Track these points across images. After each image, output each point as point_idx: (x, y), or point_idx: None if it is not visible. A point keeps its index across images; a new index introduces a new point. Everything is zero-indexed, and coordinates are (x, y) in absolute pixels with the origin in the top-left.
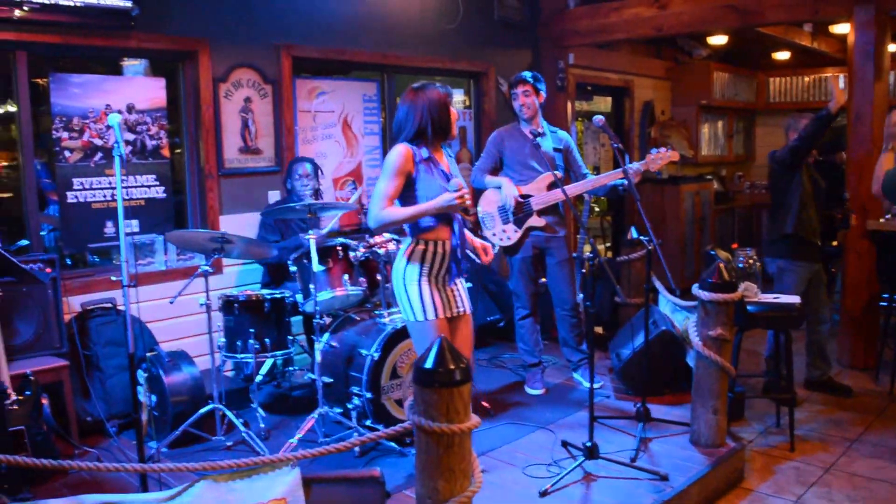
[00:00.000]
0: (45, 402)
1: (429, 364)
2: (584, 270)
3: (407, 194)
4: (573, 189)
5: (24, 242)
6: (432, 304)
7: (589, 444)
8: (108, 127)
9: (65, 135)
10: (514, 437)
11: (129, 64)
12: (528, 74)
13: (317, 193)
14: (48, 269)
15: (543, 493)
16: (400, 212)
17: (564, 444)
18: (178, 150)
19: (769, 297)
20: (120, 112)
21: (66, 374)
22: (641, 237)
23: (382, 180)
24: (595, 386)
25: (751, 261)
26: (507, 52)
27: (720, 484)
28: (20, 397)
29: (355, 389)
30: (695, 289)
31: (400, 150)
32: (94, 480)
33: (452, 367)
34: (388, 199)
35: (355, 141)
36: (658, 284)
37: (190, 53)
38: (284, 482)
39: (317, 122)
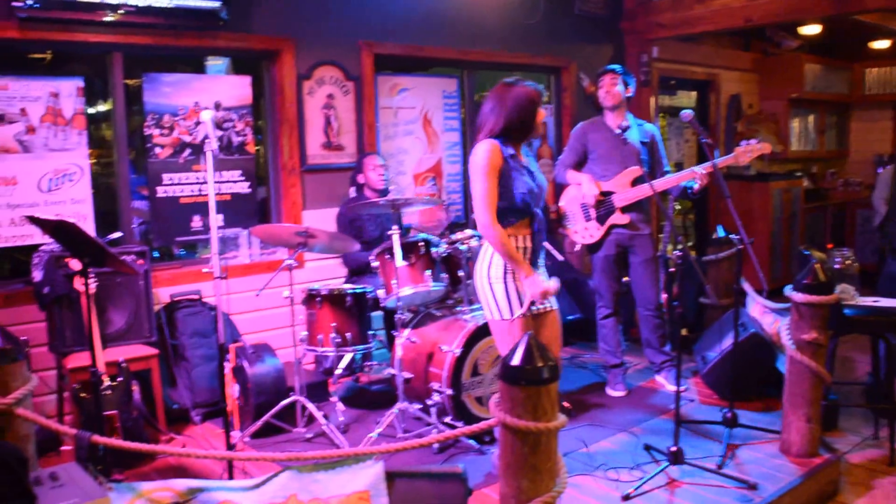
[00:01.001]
0: (135, 388)
1: (516, 361)
2: (671, 269)
3: (499, 191)
4: (659, 184)
5: (117, 235)
6: (518, 301)
7: (674, 448)
8: (198, 123)
9: (156, 132)
10: (595, 439)
11: (213, 63)
12: (617, 66)
13: (386, 191)
14: (140, 261)
15: (626, 498)
16: (504, 246)
17: (647, 447)
18: (259, 147)
19: (868, 301)
20: (210, 108)
21: (155, 363)
22: (731, 236)
23: (478, 182)
24: (679, 389)
25: (848, 261)
26: (589, 47)
27: (813, 496)
28: (113, 383)
29: (435, 386)
30: (787, 290)
31: (487, 147)
32: (179, 466)
33: (540, 364)
34: (492, 200)
35: (435, 137)
36: (746, 285)
37: (275, 52)
38: (367, 475)
39: (398, 119)
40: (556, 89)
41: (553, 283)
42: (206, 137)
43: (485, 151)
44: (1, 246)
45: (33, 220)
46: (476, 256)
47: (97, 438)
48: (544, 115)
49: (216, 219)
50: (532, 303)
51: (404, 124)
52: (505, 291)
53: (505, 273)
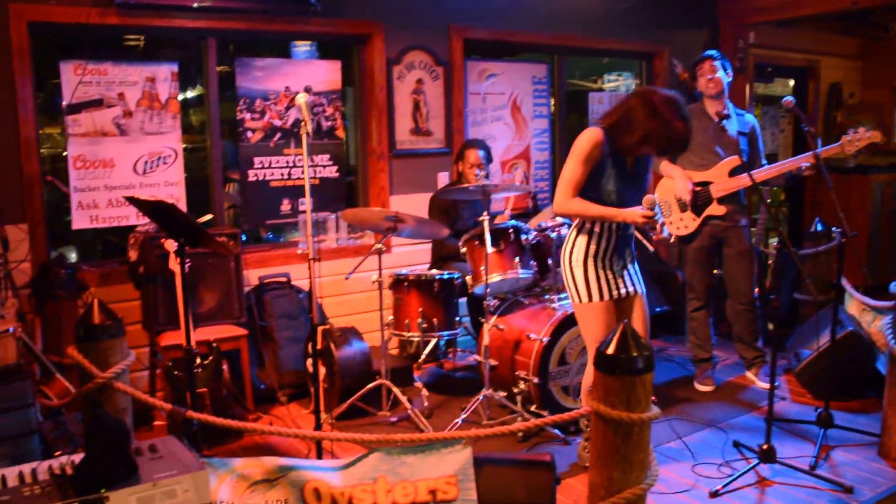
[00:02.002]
0: (225, 367)
1: (610, 350)
2: (769, 262)
3: (590, 180)
4: (761, 174)
5: (208, 217)
6: (598, 286)
7: (765, 446)
8: (288, 108)
9: (247, 116)
10: (682, 434)
11: (301, 48)
12: (715, 52)
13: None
14: (231, 244)
15: (714, 494)
16: (586, 208)
17: (736, 444)
18: (342, 132)
19: None
20: (304, 92)
21: (244, 343)
22: (834, 229)
23: (570, 165)
24: (772, 385)
25: None
26: (683, 33)
27: None
28: (204, 362)
29: (522, 374)
30: (893, 286)
31: (591, 135)
32: (265, 444)
33: (635, 354)
34: (574, 185)
35: (524, 124)
36: (845, 282)
37: (365, 36)
38: (456, 459)
39: (486, 105)
40: (647, 76)
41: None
42: (300, 121)
43: (588, 139)
44: (99, 226)
45: (133, 201)
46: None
47: (192, 414)
48: (683, 126)
49: (301, 203)
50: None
51: (493, 110)
52: (584, 276)
53: (585, 257)
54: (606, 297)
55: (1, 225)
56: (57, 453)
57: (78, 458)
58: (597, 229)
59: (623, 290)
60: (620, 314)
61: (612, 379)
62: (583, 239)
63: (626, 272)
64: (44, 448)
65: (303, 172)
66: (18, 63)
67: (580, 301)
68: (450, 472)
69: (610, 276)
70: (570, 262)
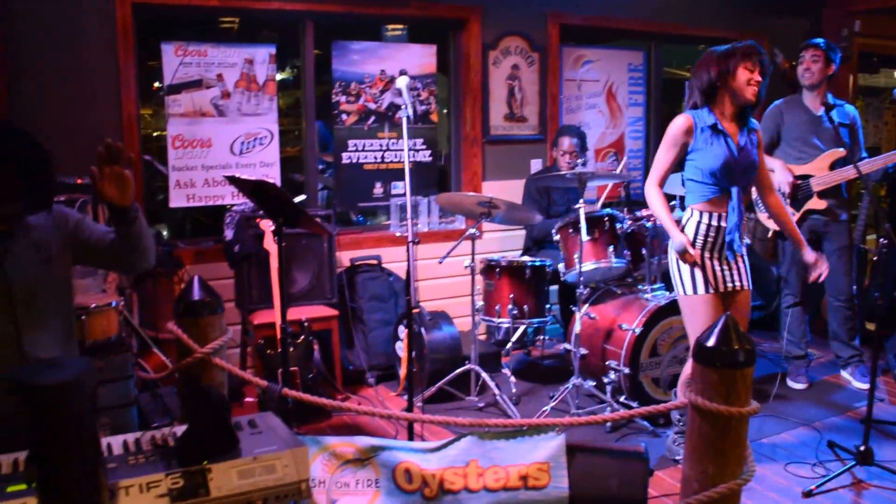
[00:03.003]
0: (315, 347)
1: (711, 342)
2: (874, 258)
3: (690, 162)
4: (866, 167)
5: (302, 198)
6: (703, 278)
7: (862, 447)
8: (383, 92)
9: (342, 99)
10: (775, 431)
11: (392, 33)
12: (820, 40)
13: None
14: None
15: (808, 494)
16: (658, 207)
17: (831, 444)
18: (436, 117)
19: None
20: (405, 75)
21: (335, 324)
22: None
23: (661, 150)
24: (866, 386)
25: None
26: (783, 20)
27: None
28: (296, 341)
29: (612, 364)
30: None
31: (678, 121)
32: (353, 424)
33: (737, 346)
34: (663, 170)
35: (619, 112)
36: None
37: (462, 20)
38: (548, 447)
39: (581, 91)
40: None
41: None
42: (394, 104)
43: (674, 125)
44: (195, 205)
45: (233, 180)
46: (662, 234)
47: (287, 392)
48: (748, 75)
49: (393, 187)
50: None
51: (587, 97)
52: (691, 267)
53: (694, 248)
54: (712, 289)
55: (103, 202)
56: (153, 425)
57: (179, 429)
58: (706, 220)
59: (730, 284)
60: (725, 308)
61: (712, 371)
62: (692, 229)
63: (734, 266)
64: (140, 420)
65: (396, 156)
66: (122, 43)
67: (685, 293)
68: (542, 458)
69: (717, 269)
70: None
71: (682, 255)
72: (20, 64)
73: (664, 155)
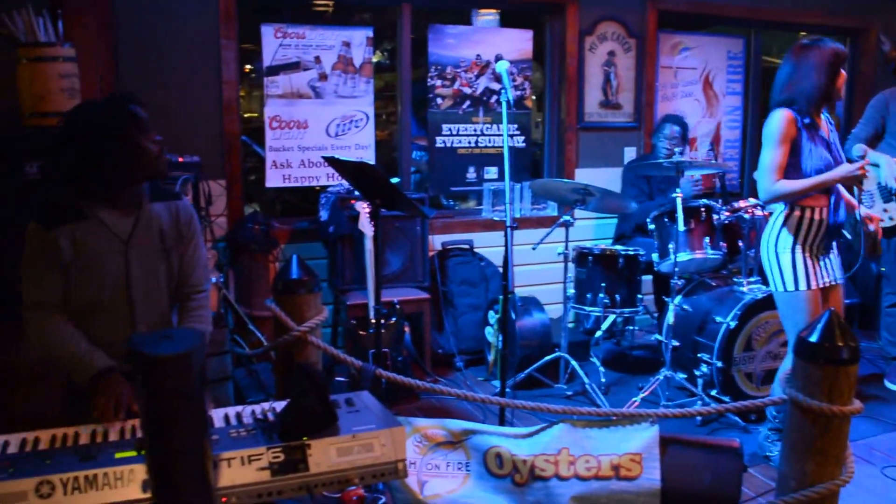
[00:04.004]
0: (406, 329)
1: (814, 337)
2: None
3: (789, 163)
4: None
5: (395, 180)
6: (805, 274)
7: None
8: (478, 77)
9: (438, 83)
10: (871, 434)
11: (483, 17)
12: None
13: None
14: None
15: None
16: (796, 184)
17: None
18: (531, 102)
19: None
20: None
21: (426, 307)
22: None
23: (767, 150)
24: None
25: None
26: (892, 6)
27: None
28: (388, 323)
29: (704, 357)
30: None
31: (782, 116)
32: (441, 407)
33: (841, 343)
34: (778, 170)
35: (715, 100)
36: None
37: (559, 6)
38: (641, 438)
39: (677, 79)
40: (851, 53)
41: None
42: (489, 89)
43: (778, 121)
44: (291, 185)
45: (332, 161)
46: (759, 226)
47: (381, 373)
48: (845, 77)
49: (485, 172)
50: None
51: (683, 85)
52: (792, 263)
53: (794, 244)
54: (814, 285)
55: (204, 180)
56: (249, 401)
57: (278, 405)
58: (808, 215)
59: (828, 279)
60: (823, 303)
61: (814, 368)
62: (792, 225)
63: (828, 260)
64: (235, 395)
65: (490, 141)
66: (224, 25)
67: (785, 289)
68: (634, 449)
69: (818, 265)
70: (776, 248)
71: (853, 175)
72: (127, 42)
73: (776, 152)
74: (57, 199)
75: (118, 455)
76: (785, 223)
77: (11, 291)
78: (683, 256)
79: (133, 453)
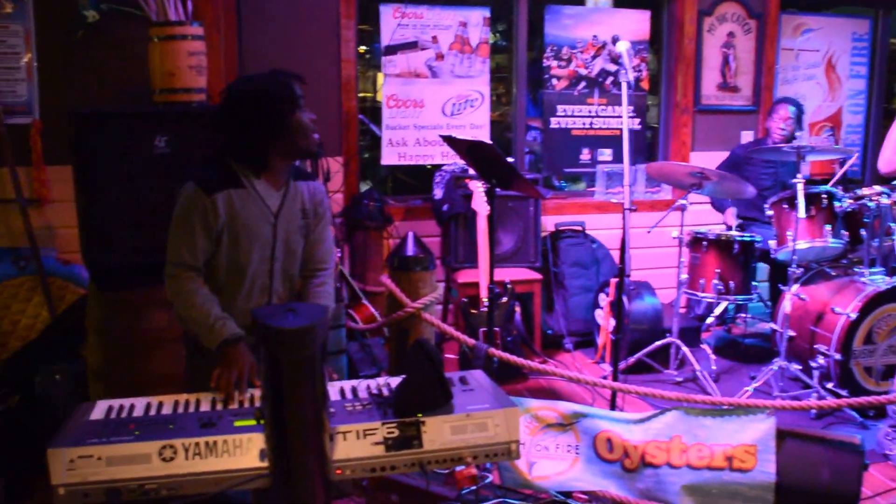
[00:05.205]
0: (517, 309)
1: None
2: None
3: None
4: None
5: (511, 161)
6: None
7: None
8: (594, 58)
9: (554, 64)
10: None
11: None
12: None
13: (790, 140)
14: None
15: None
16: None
17: None
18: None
19: None
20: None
21: (537, 287)
22: None
23: None
24: None
25: None
26: None
27: None
28: (500, 302)
29: (821, 348)
30: None
31: None
32: (549, 388)
33: None
34: None
35: (838, 83)
36: None
37: None
38: (757, 429)
39: (799, 62)
40: None
41: None
42: (619, 69)
43: None
44: (406, 164)
45: (449, 140)
46: (884, 215)
47: (493, 351)
48: None
49: (600, 154)
50: None
51: (805, 68)
52: None
53: None
54: None
55: (323, 157)
56: (361, 374)
57: (392, 380)
58: None
59: None
60: None
61: None
62: None
63: None
64: (349, 368)
65: (605, 123)
66: (345, 4)
67: None
68: (749, 440)
69: None
70: None
71: None
72: (251, 21)
73: None
74: (218, 165)
75: (237, 423)
76: None
77: (140, 261)
78: (803, 244)
79: (252, 422)
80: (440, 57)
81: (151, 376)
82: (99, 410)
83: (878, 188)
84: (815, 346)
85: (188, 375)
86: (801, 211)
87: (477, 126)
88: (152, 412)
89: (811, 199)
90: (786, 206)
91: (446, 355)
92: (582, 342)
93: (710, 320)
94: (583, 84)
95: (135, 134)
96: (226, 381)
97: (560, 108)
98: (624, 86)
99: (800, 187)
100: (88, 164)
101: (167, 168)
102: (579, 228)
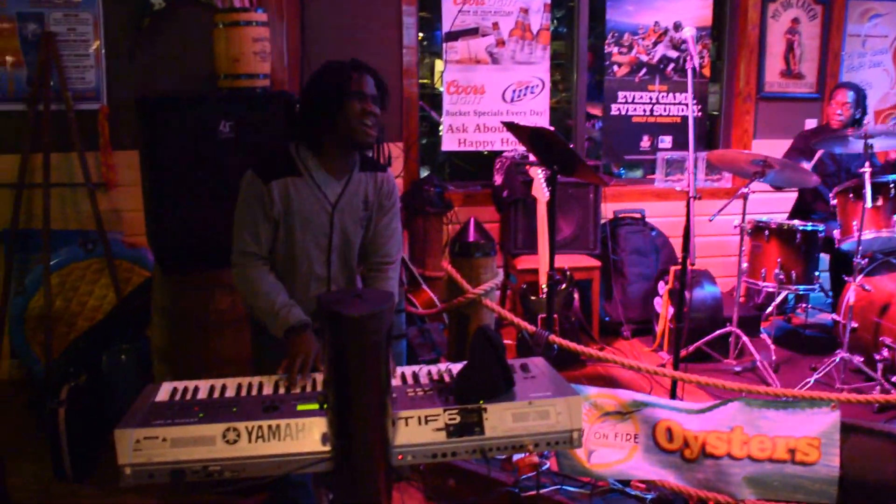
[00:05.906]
0: (576, 296)
1: None
2: None
3: None
4: None
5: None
6: None
7: None
8: (656, 44)
9: (615, 50)
10: None
11: None
12: None
13: (856, 124)
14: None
15: None
16: None
17: None
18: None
19: None
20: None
21: (596, 274)
22: None
23: None
24: None
25: None
26: None
27: None
28: (559, 288)
29: (886, 341)
30: None
31: None
32: (607, 375)
33: None
34: None
35: None
36: None
37: None
38: (821, 422)
39: (865, 48)
40: None
41: None
42: (684, 55)
43: None
44: (466, 150)
45: (510, 126)
46: None
47: (554, 338)
48: None
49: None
50: None
51: (871, 55)
52: None
53: None
54: None
55: (385, 142)
56: (421, 359)
57: (454, 366)
58: None
59: None
60: None
61: None
62: None
63: None
64: (408, 353)
65: (665, 110)
66: None
67: None
68: (813, 433)
69: None
70: None
71: None
72: (314, 8)
73: None
74: (278, 153)
75: (300, 407)
76: None
77: (204, 245)
78: (868, 234)
79: (314, 406)
80: (501, 43)
81: (215, 358)
82: (164, 392)
83: None
84: (879, 339)
85: (255, 354)
86: (868, 201)
87: (537, 112)
88: (216, 395)
89: (877, 189)
90: (851, 195)
91: (504, 341)
92: (639, 330)
93: (769, 310)
94: (643, 71)
95: (200, 119)
96: (292, 369)
97: (621, 94)
98: (690, 73)
99: (867, 176)
100: (154, 149)
101: (231, 153)
102: (639, 216)
